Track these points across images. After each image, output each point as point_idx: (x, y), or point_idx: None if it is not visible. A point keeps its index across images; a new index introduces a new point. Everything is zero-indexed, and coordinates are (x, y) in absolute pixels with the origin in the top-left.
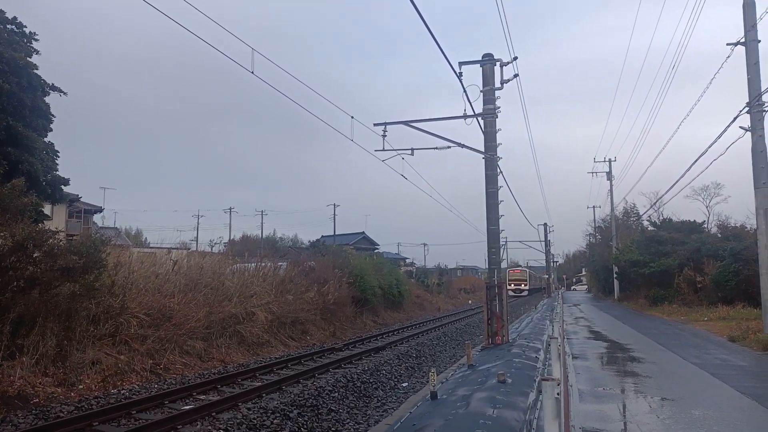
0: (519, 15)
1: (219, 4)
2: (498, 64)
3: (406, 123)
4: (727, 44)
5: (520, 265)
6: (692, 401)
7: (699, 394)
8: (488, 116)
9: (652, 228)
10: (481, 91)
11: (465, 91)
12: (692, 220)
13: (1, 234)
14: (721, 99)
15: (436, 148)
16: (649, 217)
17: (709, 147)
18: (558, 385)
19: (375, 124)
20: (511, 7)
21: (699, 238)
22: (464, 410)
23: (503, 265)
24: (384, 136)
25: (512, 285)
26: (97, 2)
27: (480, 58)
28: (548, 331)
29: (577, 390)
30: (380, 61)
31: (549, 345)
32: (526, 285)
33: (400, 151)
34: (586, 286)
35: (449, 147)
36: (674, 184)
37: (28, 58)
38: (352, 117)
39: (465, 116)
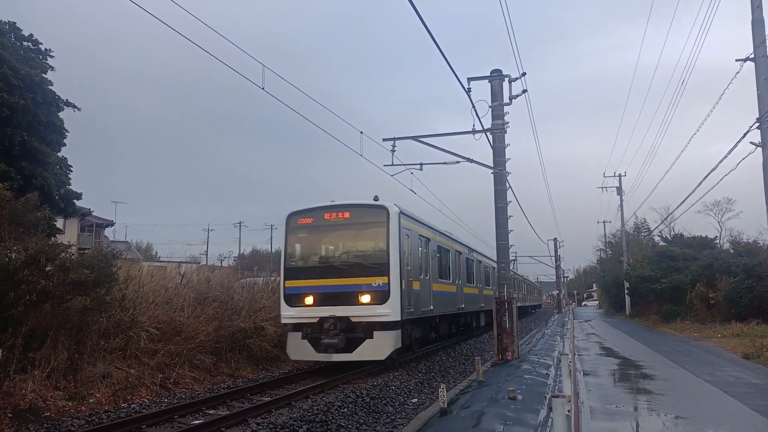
0: (527, 31)
1: (230, 21)
2: (506, 79)
3: (415, 138)
4: (736, 60)
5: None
6: (706, 419)
7: (713, 413)
8: (497, 131)
9: (664, 243)
10: (489, 107)
11: (474, 106)
12: (704, 235)
13: (15, 248)
14: (732, 114)
15: (445, 163)
16: (661, 232)
17: (720, 162)
18: (569, 402)
19: (384, 139)
20: (519, 24)
21: (711, 253)
22: (474, 427)
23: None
24: (393, 151)
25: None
26: (109, 21)
27: (488, 74)
28: (559, 347)
29: (588, 407)
30: (389, 78)
31: (560, 361)
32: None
33: (409, 166)
34: (597, 302)
35: (458, 162)
36: (685, 200)
37: (43, 75)
38: (361, 132)
39: (474, 131)
